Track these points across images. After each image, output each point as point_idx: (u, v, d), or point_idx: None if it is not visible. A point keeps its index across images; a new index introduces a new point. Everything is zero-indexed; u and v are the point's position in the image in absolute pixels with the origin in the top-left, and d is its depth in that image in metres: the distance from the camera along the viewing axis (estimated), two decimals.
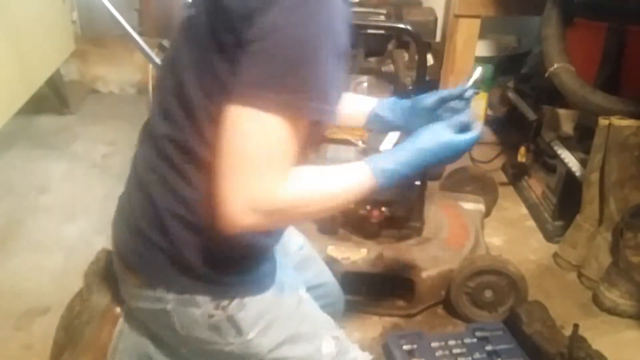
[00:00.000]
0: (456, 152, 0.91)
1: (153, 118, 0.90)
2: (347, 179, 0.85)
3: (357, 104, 1.12)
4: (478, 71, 1.10)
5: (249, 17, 0.73)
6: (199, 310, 0.90)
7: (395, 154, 0.88)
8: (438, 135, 0.90)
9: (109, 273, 1.07)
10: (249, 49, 0.73)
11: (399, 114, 1.09)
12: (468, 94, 1.10)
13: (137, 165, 0.92)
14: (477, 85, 1.10)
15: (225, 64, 0.76)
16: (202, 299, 0.90)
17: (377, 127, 1.14)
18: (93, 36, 3.18)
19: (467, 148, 0.92)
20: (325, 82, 0.75)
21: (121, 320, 1.04)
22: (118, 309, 1.05)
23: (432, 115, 1.07)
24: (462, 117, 0.94)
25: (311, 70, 0.73)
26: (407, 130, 1.12)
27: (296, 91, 0.73)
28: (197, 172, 0.82)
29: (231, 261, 0.91)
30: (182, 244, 0.86)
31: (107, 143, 2.64)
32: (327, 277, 1.29)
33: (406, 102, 1.10)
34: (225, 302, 0.91)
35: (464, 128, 0.93)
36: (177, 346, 1.00)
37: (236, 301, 0.91)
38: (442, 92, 1.10)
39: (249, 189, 0.74)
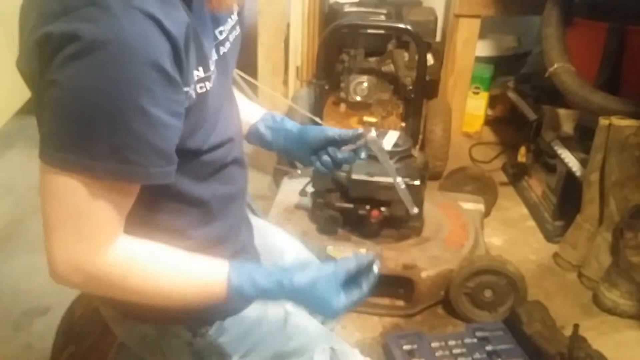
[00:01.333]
0: (329, 314, 0.79)
1: None
2: (194, 270, 0.74)
3: (244, 112, 0.99)
4: (373, 133, 1.03)
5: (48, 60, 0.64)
6: (178, 340, 0.87)
7: (264, 279, 0.74)
8: (322, 289, 0.76)
9: None
10: (46, 99, 0.65)
11: (281, 137, 1.01)
12: (361, 154, 1.04)
13: None
14: (368, 149, 1.05)
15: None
16: (179, 329, 0.86)
17: (256, 143, 1.03)
18: None
19: (344, 311, 0.79)
20: (122, 140, 0.64)
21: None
22: None
23: (315, 151, 1.00)
24: (352, 265, 0.84)
25: (110, 129, 0.63)
26: (286, 155, 1.07)
27: (79, 150, 0.64)
28: None
29: None
30: None
31: None
32: None
33: (293, 127, 1.01)
34: (204, 330, 0.86)
35: (355, 277, 0.83)
36: None
37: (216, 325, 0.87)
38: (331, 132, 1.00)
39: (68, 249, 0.69)
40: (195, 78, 0.71)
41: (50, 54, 0.63)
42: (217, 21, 0.78)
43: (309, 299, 0.77)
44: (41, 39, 0.65)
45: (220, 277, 0.73)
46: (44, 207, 0.68)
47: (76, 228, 0.68)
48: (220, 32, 0.78)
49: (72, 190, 0.66)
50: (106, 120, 0.63)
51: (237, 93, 0.95)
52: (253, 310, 0.90)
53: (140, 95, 0.63)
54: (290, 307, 0.98)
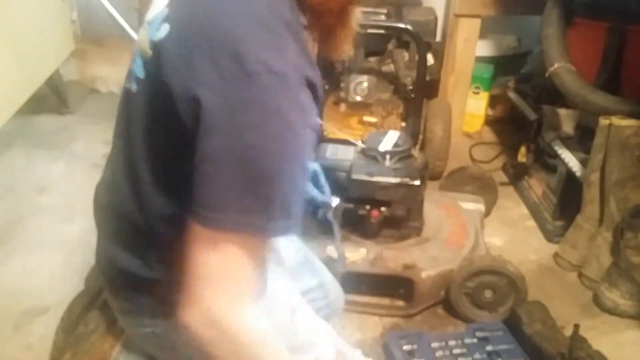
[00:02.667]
0: None
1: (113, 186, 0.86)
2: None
3: None
4: (337, 200, 1.13)
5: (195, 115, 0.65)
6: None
7: None
8: None
9: None
10: (200, 163, 0.66)
11: None
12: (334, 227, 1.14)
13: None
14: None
15: (176, 160, 0.70)
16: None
17: None
18: (93, 36, 3.18)
19: None
20: (290, 196, 0.68)
21: (125, 335, 1.04)
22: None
23: None
24: None
25: (275, 187, 0.66)
26: None
27: (256, 211, 0.66)
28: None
29: None
30: (162, 280, 0.83)
31: (107, 143, 2.60)
32: (326, 277, 1.28)
33: None
34: None
35: None
36: None
37: None
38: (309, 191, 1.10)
39: (214, 300, 0.68)
40: None
41: (218, 115, 0.64)
42: None
43: None
44: (216, 95, 0.65)
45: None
46: (197, 257, 0.68)
47: (230, 283, 0.68)
48: None
49: (230, 250, 0.67)
50: (285, 182, 0.67)
51: None
52: (263, 306, 0.91)
53: (305, 156, 0.69)
54: (296, 304, 1.00)
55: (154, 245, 0.82)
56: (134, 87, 0.78)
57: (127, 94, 0.82)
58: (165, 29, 0.71)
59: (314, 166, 1.16)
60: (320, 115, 0.71)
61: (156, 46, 0.72)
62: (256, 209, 0.66)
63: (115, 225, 0.88)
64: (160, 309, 0.86)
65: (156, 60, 0.71)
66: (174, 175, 0.73)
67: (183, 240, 0.72)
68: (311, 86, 0.69)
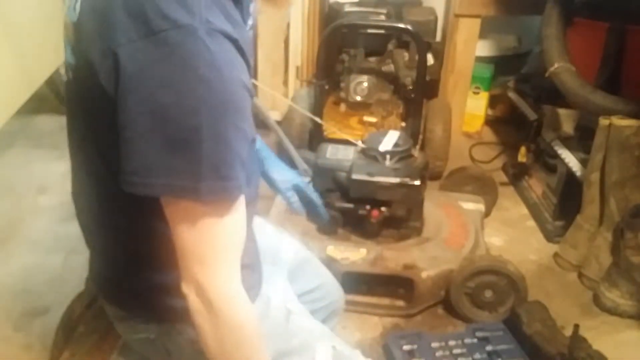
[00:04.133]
0: None
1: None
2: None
3: None
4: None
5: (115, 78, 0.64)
6: (182, 337, 0.87)
7: None
8: None
9: None
10: (122, 130, 0.65)
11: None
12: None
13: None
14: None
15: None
16: (183, 327, 0.85)
17: None
18: None
19: None
20: (220, 155, 0.65)
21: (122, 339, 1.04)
22: None
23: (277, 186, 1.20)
24: None
25: (197, 145, 0.64)
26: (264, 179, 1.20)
27: (184, 172, 0.64)
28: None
29: None
30: (149, 282, 0.82)
31: None
32: (326, 278, 1.28)
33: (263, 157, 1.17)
34: None
35: None
36: None
37: None
38: (300, 183, 1.21)
39: (196, 273, 0.69)
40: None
41: (134, 74, 0.63)
42: (247, 16, 0.79)
43: None
44: (128, 58, 0.63)
45: None
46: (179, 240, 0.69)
47: (206, 253, 0.69)
48: (249, 29, 0.79)
49: (181, 216, 0.67)
50: (208, 139, 0.63)
51: None
52: (256, 308, 0.89)
53: (234, 113, 0.65)
54: (292, 305, 0.99)
55: (129, 244, 0.80)
56: (69, 75, 0.77)
57: (66, 87, 0.81)
58: (78, 7, 0.71)
59: (315, 199, 1.26)
60: (250, 73, 0.70)
61: (76, 26, 0.72)
62: (182, 169, 0.64)
63: (91, 230, 0.88)
64: (152, 314, 0.86)
65: (79, 40, 0.71)
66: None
67: (154, 234, 0.72)
68: (231, 41, 0.66)
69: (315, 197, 1.25)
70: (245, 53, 0.68)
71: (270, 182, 1.21)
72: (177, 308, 0.80)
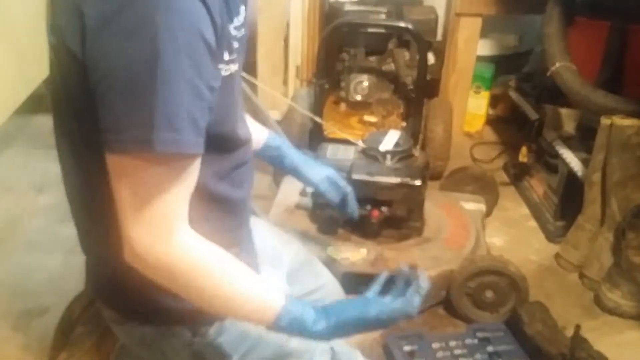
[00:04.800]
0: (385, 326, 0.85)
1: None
2: (255, 288, 0.76)
3: (253, 126, 1.06)
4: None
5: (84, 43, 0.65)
6: (178, 340, 0.87)
7: (310, 323, 0.78)
8: (365, 321, 0.82)
9: None
10: (94, 88, 0.65)
11: (295, 158, 1.19)
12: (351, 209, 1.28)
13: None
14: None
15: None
16: (179, 329, 0.86)
17: (268, 159, 1.18)
18: None
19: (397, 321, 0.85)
20: (175, 107, 0.64)
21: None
22: None
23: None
24: (377, 284, 0.90)
25: (152, 96, 0.63)
26: (295, 176, 1.21)
27: (139, 124, 0.63)
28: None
29: None
30: (148, 285, 0.78)
31: None
32: (326, 279, 1.27)
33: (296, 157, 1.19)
34: (203, 329, 0.86)
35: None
36: None
37: (215, 325, 0.87)
38: (331, 174, 1.24)
39: (139, 231, 0.68)
40: (225, 58, 0.72)
41: (96, 28, 0.63)
42: (236, 12, 0.77)
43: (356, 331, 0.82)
44: (92, 12, 0.63)
45: (274, 308, 0.76)
46: (115, 190, 0.68)
47: (147, 210, 0.67)
48: (236, 28, 0.77)
49: (135, 171, 0.66)
50: (159, 90, 0.62)
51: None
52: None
53: (188, 65, 0.63)
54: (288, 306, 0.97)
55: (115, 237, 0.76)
56: (52, 57, 0.78)
57: (50, 70, 0.81)
58: None
59: (347, 188, 1.25)
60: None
61: (51, 1, 0.72)
62: (139, 122, 0.63)
63: (84, 230, 0.88)
64: (147, 317, 0.85)
65: (54, 14, 0.72)
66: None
67: None
68: None
69: (346, 185, 1.26)
70: (211, 9, 0.65)
71: (302, 177, 1.22)
72: (173, 310, 0.81)
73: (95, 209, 0.79)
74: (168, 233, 0.69)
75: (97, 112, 0.65)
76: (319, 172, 1.23)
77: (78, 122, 0.74)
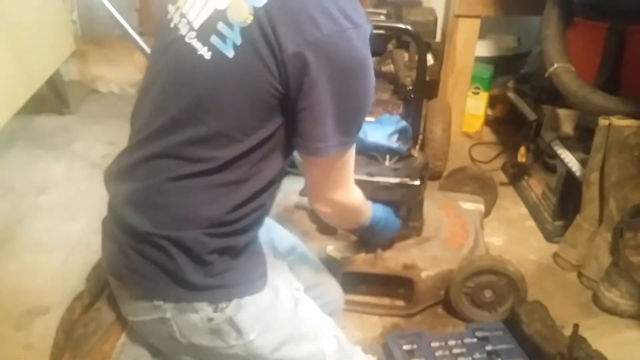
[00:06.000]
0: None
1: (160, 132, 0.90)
2: (368, 208, 1.22)
3: None
4: None
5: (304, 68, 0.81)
6: (198, 315, 0.91)
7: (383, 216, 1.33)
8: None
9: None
10: (308, 108, 0.84)
11: None
12: None
13: (128, 187, 0.92)
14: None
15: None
16: (199, 304, 0.91)
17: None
18: (93, 36, 3.18)
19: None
20: (362, 120, 0.92)
21: (124, 333, 1.04)
22: (124, 323, 1.05)
23: None
24: None
25: (363, 114, 0.91)
26: None
27: (350, 134, 0.90)
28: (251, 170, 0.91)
29: (227, 261, 0.92)
30: (182, 260, 0.88)
31: (107, 143, 2.64)
32: (324, 275, 1.29)
33: None
34: (223, 305, 0.91)
35: None
36: (179, 356, 1.00)
37: (234, 302, 0.92)
38: (397, 127, 1.60)
39: (338, 193, 0.99)
40: None
41: (324, 65, 0.81)
42: None
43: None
44: (316, 48, 0.81)
45: (370, 212, 1.24)
46: (314, 174, 0.97)
47: (338, 181, 0.98)
48: None
49: (336, 160, 0.93)
50: (364, 112, 0.90)
51: None
52: (266, 294, 0.96)
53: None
54: (299, 295, 1.05)
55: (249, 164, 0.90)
56: (221, 53, 0.84)
57: (201, 64, 0.86)
58: None
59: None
60: None
61: (259, 12, 0.81)
62: (350, 132, 0.90)
63: (150, 204, 0.90)
64: (172, 292, 0.90)
65: (260, 25, 0.81)
66: (254, 121, 0.86)
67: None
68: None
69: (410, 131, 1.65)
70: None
71: (371, 145, 1.65)
72: (199, 285, 0.90)
73: (208, 189, 0.89)
74: (350, 192, 1.03)
75: (285, 123, 0.88)
76: (386, 130, 1.51)
77: (226, 127, 0.86)
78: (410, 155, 1.75)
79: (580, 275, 1.90)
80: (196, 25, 0.87)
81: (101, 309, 1.08)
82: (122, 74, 3.32)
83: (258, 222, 0.97)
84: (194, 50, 0.86)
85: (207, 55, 0.85)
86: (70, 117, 2.96)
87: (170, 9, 0.94)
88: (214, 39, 0.84)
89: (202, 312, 0.91)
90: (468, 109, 2.86)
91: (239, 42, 0.82)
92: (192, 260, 0.89)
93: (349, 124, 0.88)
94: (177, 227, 0.88)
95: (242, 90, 0.83)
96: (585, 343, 1.44)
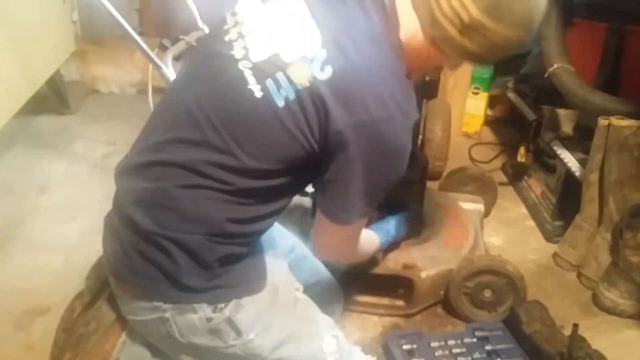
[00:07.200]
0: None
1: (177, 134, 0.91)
2: (373, 241, 1.35)
3: None
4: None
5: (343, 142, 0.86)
6: (197, 315, 0.92)
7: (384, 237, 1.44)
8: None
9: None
10: (339, 182, 0.91)
11: None
12: None
13: (137, 185, 0.94)
14: None
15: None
16: (198, 305, 0.92)
17: None
18: (93, 36, 3.18)
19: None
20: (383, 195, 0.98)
21: (124, 332, 1.05)
22: (124, 322, 1.05)
23: None
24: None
25: (385, 193, 0.97)
26: None
27: (371, 208, 0.97)
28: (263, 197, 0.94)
29: (227, 264, 0.92)
30: (184, 262, 0.90)
31: (107, 143, 2.64)
32: (323, 275, 1.30)
33: None
34: (222, 305, 0.92)
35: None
36: (178, 356, 1.00)
37: (233, 303, 0.93)
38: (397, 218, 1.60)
39: (335, 251, 1.10)
40: None
41: (366, 150, 0.88)
42: None
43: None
44: (356, 130, 0.86)
45: (377, 241, 1.37)
46: (326, 234, 1.03)
47: (347, 243, 1.08)
48: None
49: (351, 228, 1.01)
50: (386, 190, 0.96)
51: None
52: (266, 295, 0.97)
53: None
54: (298, 294, 1.06)
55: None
56: (272, 99, 0.87)
57: (254, 101, 0.88)
58: (329, 72, 0.85)
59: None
60: None
61: (317, 83, 0.85)
62: (374, 205, 0.96)
63: (158, 206, 0.90)
64: (172, 293, 0.91)
65: (314, 93, 0.85)
66: (271, 163, 0.90)
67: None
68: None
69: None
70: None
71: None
72: (199, 288, 0.91)
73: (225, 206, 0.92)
74: (358, 249, 1.14)
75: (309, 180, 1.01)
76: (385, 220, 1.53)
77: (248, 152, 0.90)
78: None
79: (579, 275, 1.90)
80: (253, 59, 0.88)
81: (102, 308, 1.09)
82: (123, 74, 3.32)
83: (260, 235, 1.00)
84: (245, 81, 0.87)
85: (258, 94, 0.86)
86: (70, 117, 2.96)
87: (229, 20, 0.94)
88: (269, 83, 0.86)
89: (201, 312, 0.92)
90: (468, 109, 2.86)
91: (292, 97, 0.86)
92: (196, 264, 0.89)
93: (375, 198, 0.94)
94: (181, 230, 0.89)
95: (280, 138, 0.86)
96: (585, 343, 1.45)
